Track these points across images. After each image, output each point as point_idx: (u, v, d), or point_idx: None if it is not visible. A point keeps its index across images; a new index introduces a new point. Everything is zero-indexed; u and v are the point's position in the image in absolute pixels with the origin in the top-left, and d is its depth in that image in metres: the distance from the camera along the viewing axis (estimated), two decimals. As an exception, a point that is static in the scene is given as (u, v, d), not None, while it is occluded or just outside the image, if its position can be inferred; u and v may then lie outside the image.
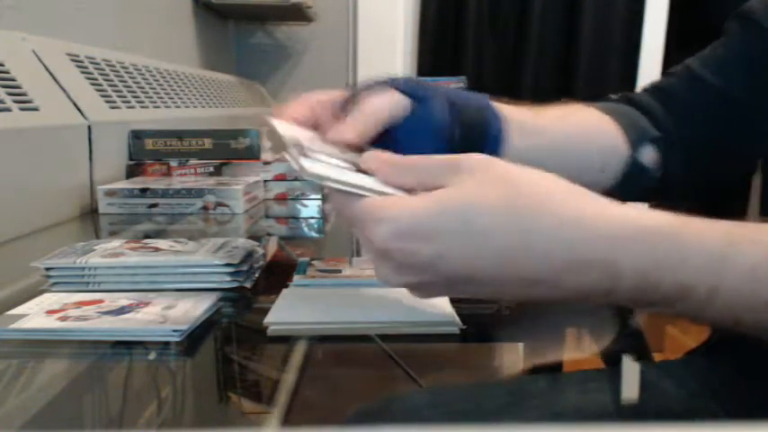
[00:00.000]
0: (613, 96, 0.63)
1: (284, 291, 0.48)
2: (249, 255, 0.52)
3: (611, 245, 0.31)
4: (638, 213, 0.32)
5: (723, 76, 0.56)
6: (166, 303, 0.45)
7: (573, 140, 0.55)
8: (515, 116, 0.51)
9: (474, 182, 0.33)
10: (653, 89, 0.62)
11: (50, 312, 0.43)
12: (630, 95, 0.63)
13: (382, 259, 0.34)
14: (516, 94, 2.15)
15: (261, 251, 0.55)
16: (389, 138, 0.45)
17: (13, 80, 0.75)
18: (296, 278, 0.51)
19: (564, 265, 0.32)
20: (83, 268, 0.49)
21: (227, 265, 0.49)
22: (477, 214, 0.32)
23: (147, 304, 0.45)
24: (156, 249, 0.52)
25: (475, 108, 0.49)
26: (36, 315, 0.43)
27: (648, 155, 0.56)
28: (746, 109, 0.55)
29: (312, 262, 0.55)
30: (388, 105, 0.44)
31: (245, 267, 0.51)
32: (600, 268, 0.31)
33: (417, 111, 0.46)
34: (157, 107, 1.15)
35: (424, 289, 0.36)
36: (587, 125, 0.57)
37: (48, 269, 0.49)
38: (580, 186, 0.34)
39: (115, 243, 0.54)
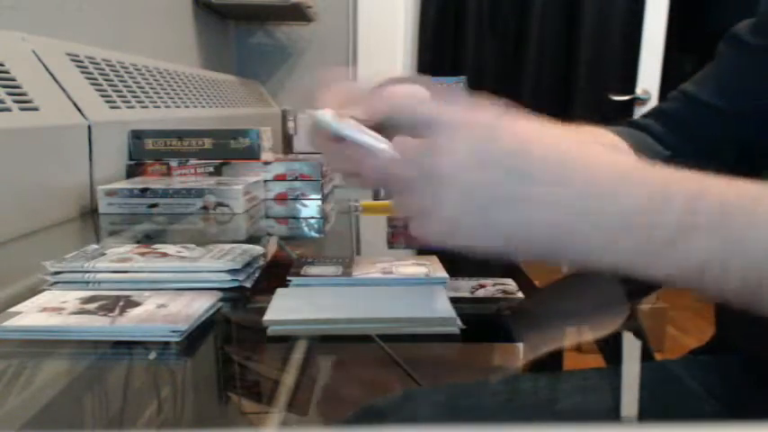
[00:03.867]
0: (617, 124, 0.67)
1: (280, 289, 0.48)
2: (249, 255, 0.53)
3: (661, 174, 0.32)
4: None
5: (718, 94, 0.61)
6: (166, 303, 0.45)
7: None
8: None
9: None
10: (654, 113, 0.66)
11: (48, 310, 0.43)
12: (633, 120, 0.67)
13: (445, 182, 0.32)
14: (516, 94, 2.15)
15: (261, 251, 0.55)
16: None
17: (13, 80, 0.75)
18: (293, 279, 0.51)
19: (612, 184, 0.31)
20: (83, 266, 0.49)
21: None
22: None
23: (146, 304, 0.44)
24: (164, 255, 0.53)
25: None
26: (33, 312, 0.43)
27: None
28: (739, 118, 0.59)
29: (311, 261, 0.55)
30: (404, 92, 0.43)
31: (245, 267, 0.51)
32: (649, 188, 0.31)
33: None
34: (157, 107, 1.15)
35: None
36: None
37: (55, 273, 0.49)
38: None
39: (126, 248, 0.54)
